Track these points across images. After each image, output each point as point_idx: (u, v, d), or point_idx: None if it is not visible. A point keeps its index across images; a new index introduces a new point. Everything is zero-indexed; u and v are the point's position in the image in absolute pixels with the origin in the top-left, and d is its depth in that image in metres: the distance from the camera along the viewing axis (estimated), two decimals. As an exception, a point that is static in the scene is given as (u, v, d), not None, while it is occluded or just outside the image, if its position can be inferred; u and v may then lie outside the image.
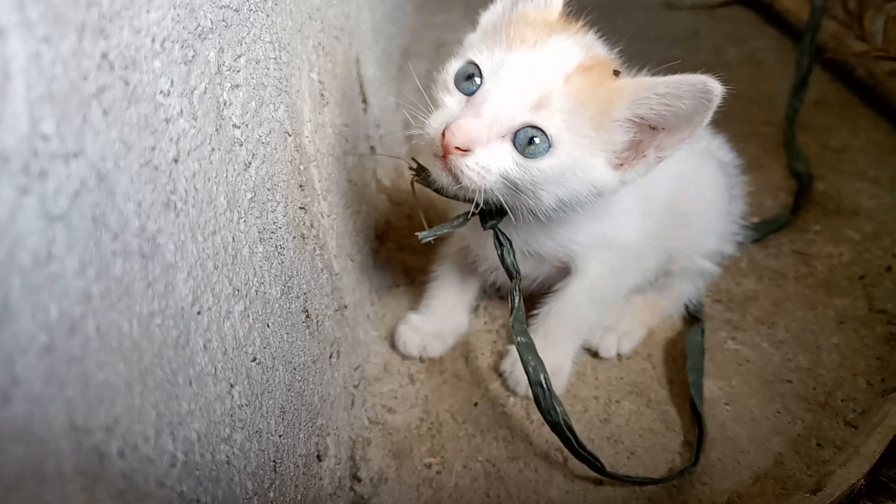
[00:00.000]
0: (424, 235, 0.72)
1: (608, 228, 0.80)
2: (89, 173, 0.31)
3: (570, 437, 0.71)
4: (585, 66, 0.65)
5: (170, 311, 0.37)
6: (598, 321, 0.90)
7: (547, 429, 0.80)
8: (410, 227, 1.16)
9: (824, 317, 0.97)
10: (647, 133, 0.66)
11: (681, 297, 0.96)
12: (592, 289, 0.84)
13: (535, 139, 0.62)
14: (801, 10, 1.74)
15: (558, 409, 0.70)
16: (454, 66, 0.68)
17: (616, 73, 0.67)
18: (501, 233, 0.73)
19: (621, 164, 0.67)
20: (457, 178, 0.64)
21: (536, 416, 0.84)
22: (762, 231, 1.09)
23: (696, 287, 0.97)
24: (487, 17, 0.74)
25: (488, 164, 0.62)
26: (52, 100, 0.28)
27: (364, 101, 1.11)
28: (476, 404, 0.85)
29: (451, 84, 0.67)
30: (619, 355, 0.91)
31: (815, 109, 1.48)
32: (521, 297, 0.72)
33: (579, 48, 0.66)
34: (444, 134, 0.62)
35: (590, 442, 0.80)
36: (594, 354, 0.92)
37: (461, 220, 0.72)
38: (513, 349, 0.84)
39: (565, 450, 0.73)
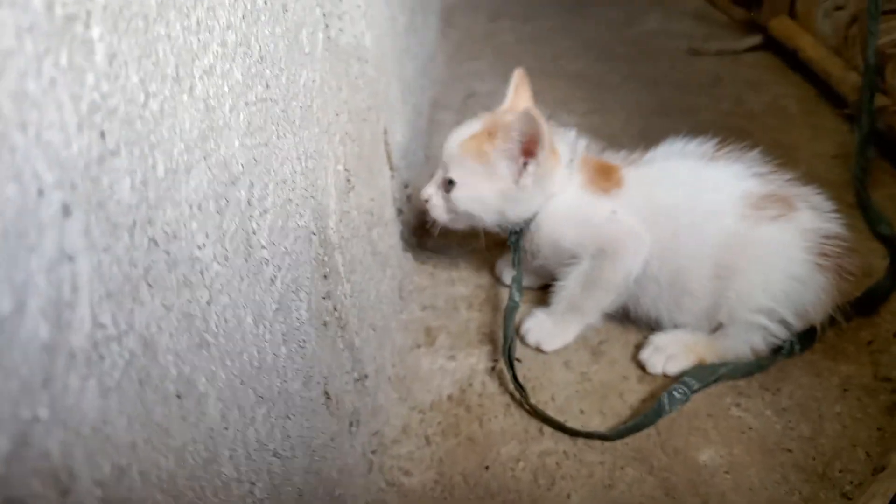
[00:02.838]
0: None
1: (592, 236, 1.03)
2: (136, 344, 0.38)
3: (511, 371, 1.00)
4: (474, 135, 1.06)
5: (201, 436, 0.44)
6: (593, 308, 1.07)
7: (554, 493, 0.87)
8: (433, 286, 1.23)
9: (829, 384, 1.01)
10: (524, 156, 1.02)
11: (732, 348, 1.03)
12: (583, 277, 1.05)
13: (449, 182, 1.08)
14: (823, 60, 1.77)
15: (512, 358, 1.01)
16: None
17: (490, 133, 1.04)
18: (516, 234, 1.10)
19: (519, 178, 1.03)
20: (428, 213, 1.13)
21: (544, 480, 0.89)
22: (868, 304, 1.11)
23: (751, 342, 1.02)
24: None
25: (435, 203, 1.12)
26: (109, 296, 0.35)
27: (391, 168, 1.19)
28: (487, 468, 0.91)
29: None
30: (665, 374, 1.04)
31: (833, 162, 1.50)
32: (521, 270, 1.10)
33: (476, 126, 1.08)
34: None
35: (592, 510, 0.86)
36: (642, 368, 1.06)
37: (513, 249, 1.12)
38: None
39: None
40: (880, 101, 1.52)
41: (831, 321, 1.04)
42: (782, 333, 1.02)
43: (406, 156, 1.35)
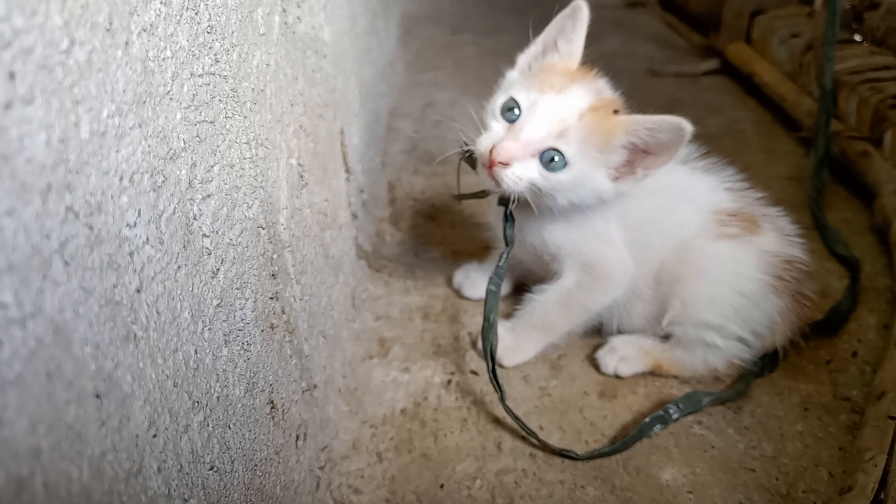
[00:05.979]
0: (459, 196, 1.03)
1: (585, 245, 0.97)
2: (46, 330, 0.32)
3: (491, 363, 0.91)
4: (595, 106, 0.86)
5: (123, 443, 0.38)
6: (564, 328, 1.03)
7: (511, 515, 0.82)
8: (388, 296, 1.18)
9: (789, 403, 0.99)
10: (639, 156, 0.87)
11: (689, 361, 1.01)
12: (564, 294, 0.99)
13: (555, 158, 0.84)
14: (779, 85, 1.79)
15: (492, 341, 0.92)
16: (500, 100, 0.90)
17: (616, 111, 0.88)
18: (510, 213, 0.93)
19: (617, 178, 0.88)
20: (498, 183, 0.87)
21: (502, 500, 0.84)
22: (830, 325, 1.10)
23: (707, 360, 1.00)
24: (523, 59, 0.97)
25: (521, 174, 0.85)
26: (11, 269, 0.29)
27: (347, 170, 1.13)
28: (442, 486, 0.86)
29: (497, 113, 0.89)
30: (616, 375, 1.03)
31: (788, 184, 1.51)
32: (506, 262, 0.95)
33: (591, 93, 0.87)
34: (491, 151, 0.84)
35: (552, 531, 0.81)
36: (596, 367, 1.04)
37: (485, 193, 0.99)
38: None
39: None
40: (834, 126, 1.54)
41: (790, 341, 1.03)
42: (744, 353, 1.00)
43: (363, 160, 1.30)
